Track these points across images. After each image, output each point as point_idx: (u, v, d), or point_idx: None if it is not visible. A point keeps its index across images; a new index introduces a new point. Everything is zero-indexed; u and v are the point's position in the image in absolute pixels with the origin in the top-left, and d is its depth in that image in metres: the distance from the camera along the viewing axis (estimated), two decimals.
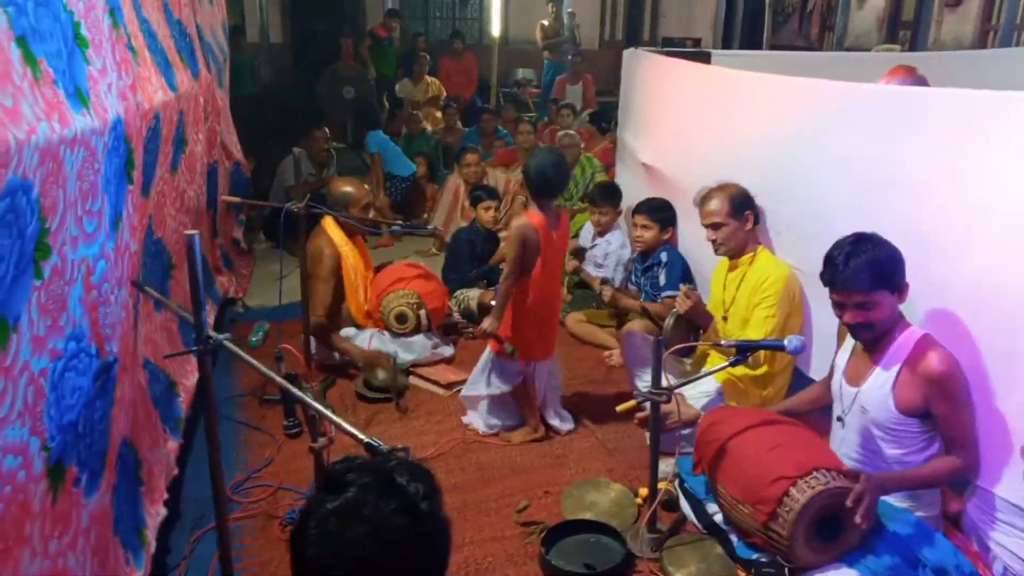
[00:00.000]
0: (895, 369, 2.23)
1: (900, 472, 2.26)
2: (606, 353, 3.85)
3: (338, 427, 1.64)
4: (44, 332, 1.47)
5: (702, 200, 3.02)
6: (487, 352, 3.12)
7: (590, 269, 4.46)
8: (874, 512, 2.12)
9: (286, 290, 3.88)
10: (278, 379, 1.89)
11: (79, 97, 1.69)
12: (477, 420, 3.19)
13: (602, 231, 4.43)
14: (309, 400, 1.77)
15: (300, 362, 2.14)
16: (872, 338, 2.24)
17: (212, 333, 1.81)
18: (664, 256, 3.71)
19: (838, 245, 2.20)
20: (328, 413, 1.68)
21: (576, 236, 4.75)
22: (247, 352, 2.07)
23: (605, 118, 6.82)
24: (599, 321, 4.13)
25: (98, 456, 1.77)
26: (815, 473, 2.14)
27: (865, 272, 2.12)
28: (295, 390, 1.84)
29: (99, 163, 1.76)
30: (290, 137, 5.61)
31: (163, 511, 2.37)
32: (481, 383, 3.11)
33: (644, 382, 3.23)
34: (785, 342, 2.29)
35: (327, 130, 5.90)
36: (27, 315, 1.41)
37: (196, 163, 3.79)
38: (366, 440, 1.54)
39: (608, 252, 4.37)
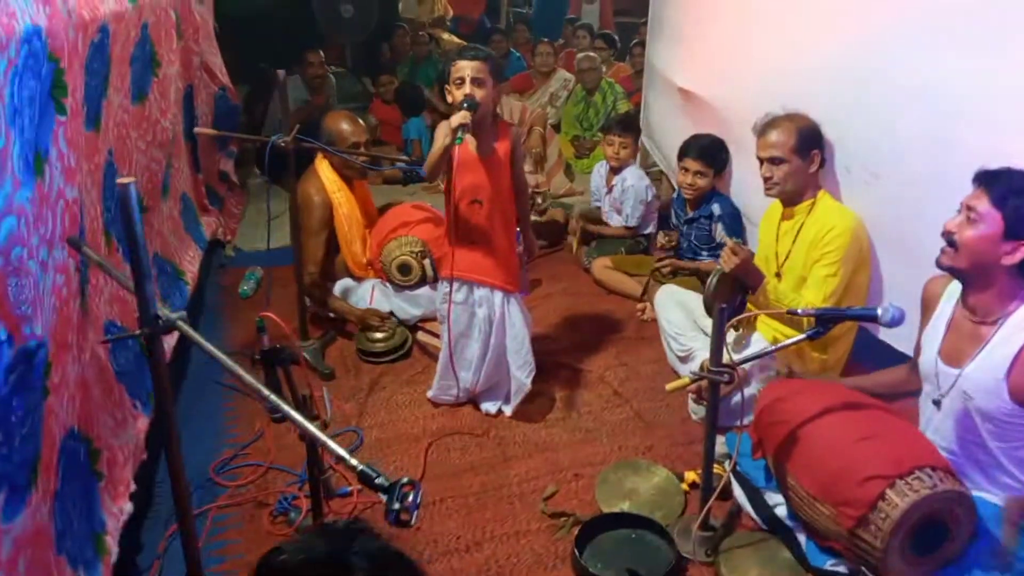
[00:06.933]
0: (1013, 350, 1.80)
1: None
2: (638, 307, 3.43)
3: (328, 450, 1.24)
4: None
5: (764, 128, 2.55)
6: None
7: (611, 220, 4.01)
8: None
9: (279, 231, 3.47)
10: (247, 377, 1.48)
11: None
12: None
13: (619, 167, 3.94)
14: (287, 408, 1.37)
15: (285, 329, 1.76)
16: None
17: (162, 312, 1.40)
18: (716, 208, 3.22)
19: None
20: (317, 432, 1.27)
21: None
22: (238, 302, 1.68)
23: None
24: (627, 268, 3.69)
25: (20, 468, 1.39)
26: (917, 473, 1.75)
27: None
28: (269, 395, 1.43)
29: None
30: (286, 61, 5.09)
31: (128, 507, 2.00)
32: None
33: (680, 345, 2.84)
34: (879, 311, 1.85)
35: (322, 53, 5.37)
36: None
37: (170, 88, 3.30)
38: (360, 468, 1.15)
39: (624, 189, 3.88)
